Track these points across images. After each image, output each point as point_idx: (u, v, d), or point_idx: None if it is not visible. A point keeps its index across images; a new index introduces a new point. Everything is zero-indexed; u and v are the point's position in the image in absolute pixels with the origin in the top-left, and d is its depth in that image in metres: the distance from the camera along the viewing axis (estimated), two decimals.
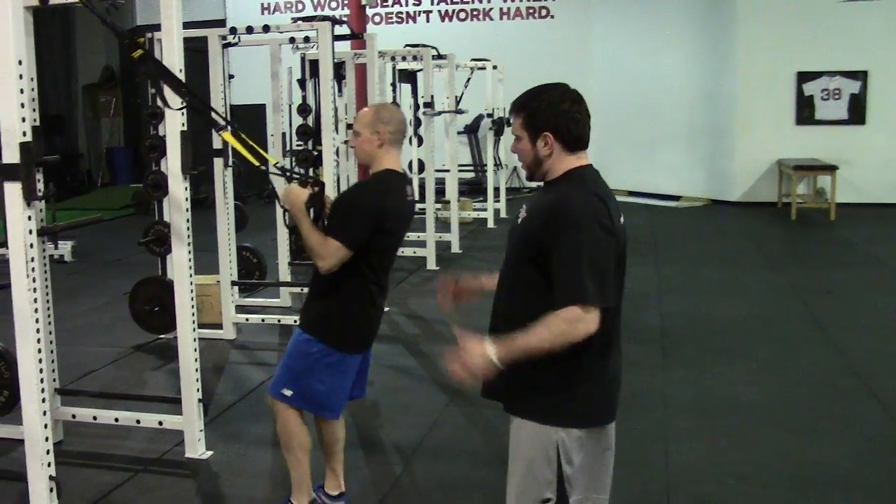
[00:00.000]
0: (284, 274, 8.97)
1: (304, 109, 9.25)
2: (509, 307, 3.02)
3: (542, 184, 3.06)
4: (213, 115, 4.37)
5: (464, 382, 2.90)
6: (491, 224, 14.01)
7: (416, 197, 4.03)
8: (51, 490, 3.97)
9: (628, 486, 4.63)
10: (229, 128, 4.36)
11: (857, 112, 15.39)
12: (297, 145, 9.33)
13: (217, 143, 7.31)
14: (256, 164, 4.34)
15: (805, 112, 15.57)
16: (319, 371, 4.05)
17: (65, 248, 11.64)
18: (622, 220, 2.96)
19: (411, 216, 4.20)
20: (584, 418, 2.96)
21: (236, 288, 8.25)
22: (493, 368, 2.81)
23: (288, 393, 4.08)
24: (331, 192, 7.25)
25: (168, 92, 4.42)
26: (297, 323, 4.16)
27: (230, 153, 7.40)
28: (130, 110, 20.05)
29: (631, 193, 16.44)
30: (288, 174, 4.28)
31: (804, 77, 15.48)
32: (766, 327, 7.98)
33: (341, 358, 4.07)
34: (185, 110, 4.62)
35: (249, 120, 14.70)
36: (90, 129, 20.89)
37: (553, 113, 2.91)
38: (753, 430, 5.59)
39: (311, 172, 9.17)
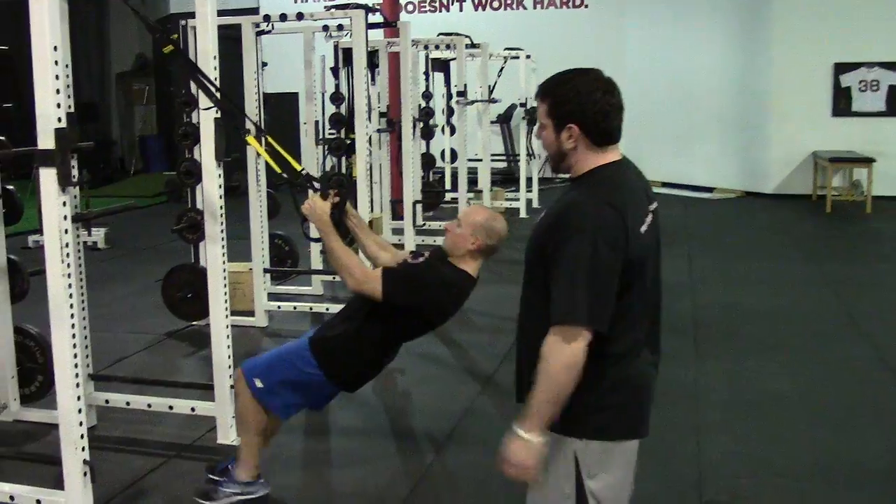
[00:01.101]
0: (316, 262, 8.99)
1: (337, 98, 9.26)
2: (529, 316, 2.83)
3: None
4: (220, 111, 4.37)
5: (526, 477, 2.68)
6: (523, 214, 13.95)
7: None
8: (84, 474, 3.98)
9: (661, 478, 4.61)
10: (254, 132, 4.36)
11: (895, 104, 15.19)
12: (330, 134, 9.34)
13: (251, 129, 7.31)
14: (279, 170, 4.35)
15: (841, 103, 15.35)
16: (304, 389, 4.08)
17: (98, 235, 11.71)
18: (644, 228, 2.69)
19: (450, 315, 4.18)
20: (603, 431, 2.74)
21: (268, 275, 8.26)
22: (536, 447, 2.61)
23: (259, 385, 4.10)
24: (363, 183, 7.28)
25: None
26: (311, 337, 4.14)
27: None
28: (163, 98, 20.12)
29: (664, 185, 16.32)
30: (311, 184, 4.28)
31: (841, 68, 15.26)
32: (799, 320, 7.92)
33: (332, 390, 4.14)
34: (219, 95, 4.63)
35: (282, 108, 14.72)
36: (123, 116, 21.01)
37: (581, 104, 2.66)
38: (786, 422, 5.55)
39: (343, 162, 9.20)
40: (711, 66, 16.37)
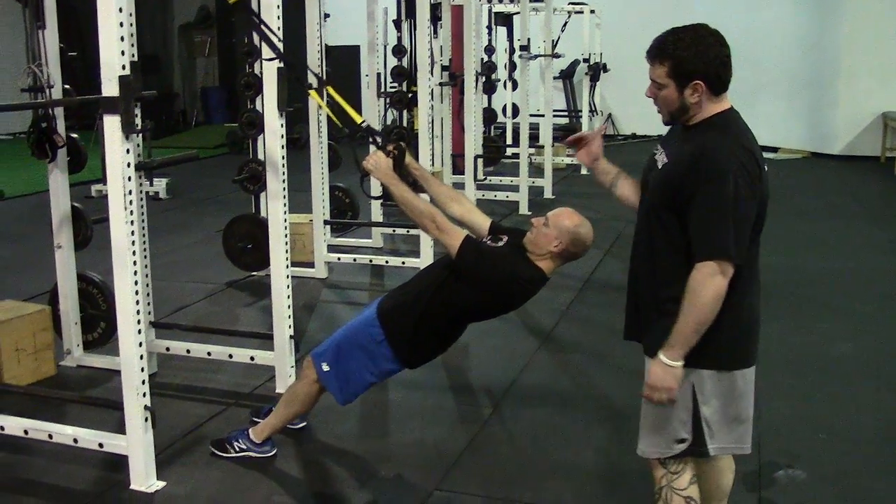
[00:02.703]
0: (376, 214, 9.00)
1: (399, 51, 9.20)
2: (650, 258, 2.99)
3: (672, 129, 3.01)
4: (283, 62, 4.35)
5: (667, 399, 2.90)
6: (584, 171, 13.84)
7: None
8: (145, 420, 4.03)
9: None
10: (317, 87, 4.32)
11: None
12: (392, 87, 9.30)
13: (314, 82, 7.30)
14: (339, 125, 4.32)
15: None
16: (369, 369, 4.01)
17: (160, 185, 11.83)
18: (767, 168, 2.90)
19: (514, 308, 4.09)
20: (717, 360, 2.91)
21: (328, 227, 8.28)
22: (679, 372, 2.85)
23: (326, 368, 4.05)
24: (425, 137, 7.24)
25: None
26: (379, 310, 4.04)
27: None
28: (225, 50, 20.21)
29: None
30: (372, 137, 4.24)
31: None
32: (864, 283, 7.78)
33: (395, 367, 4.06)
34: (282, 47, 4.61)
35: (344, 61, 14.70)
36: (185, 68, 21.14)
37: (704, 60, 2.81)
38: (848, 386, 5.47)
39: (404, 115, 9.16)
40: (778, 21, 16.04)
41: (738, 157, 2.76)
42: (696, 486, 3.09)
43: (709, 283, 2.74)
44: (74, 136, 5.42)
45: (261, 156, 7.14)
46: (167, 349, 5.55)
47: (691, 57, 2.81)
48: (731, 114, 2.92)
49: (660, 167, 2.99)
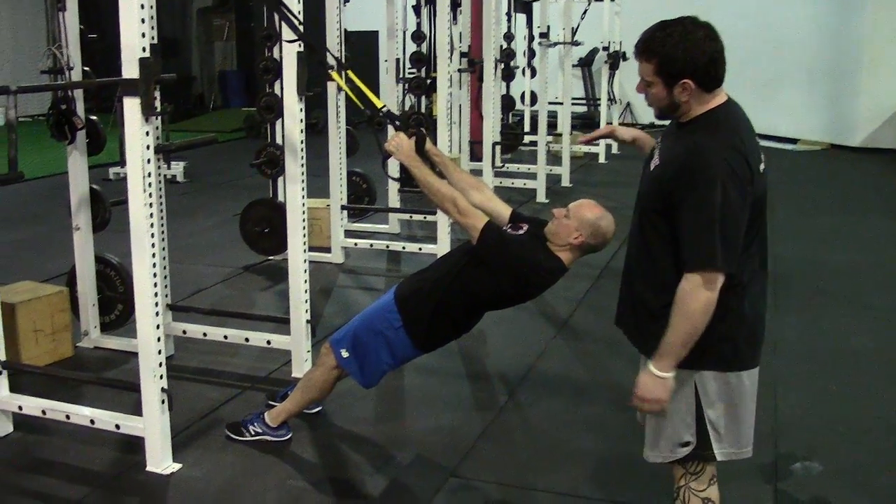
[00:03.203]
0: (394, 200, 9.00)
1: (418, 36, 9.18)
2: (645, 260, 2.94)
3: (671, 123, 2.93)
4: (304, 44, 4.34)
5: (657, 410, 2.87)
6: (602, 160, 13.83)
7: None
8: (162, 402, 4.04)
9: None
10: (337, 68, 4.32)
11: None
12: (410, 72, 9.28)
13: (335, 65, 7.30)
14: (362, 107, 4.31)
15: None
16: (387, 354, 3.99)
17: (177, 168, 11.85)
18: (763, 166, 2.81)
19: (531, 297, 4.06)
20: (722, 362, 2.86)
21: (345, 212, 8.28)
22: (669, 384, 2.79)
23: (345, 355, 4.04)
24: (443, 123, 7.22)
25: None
26: (397, 295, 4.02)
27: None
28: (243, 34, 20.20)
29: None
30: (395, 121, 4.23)
31: None
32: (884, 277, 7.74)
33: (412, 353, 4.05)
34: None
35: (362, 46, 14.67)
36: (203, 52, 21.13)
37: (692, 57, 2.71)
38: (866, 380, 5.44)
39: (422, 101, 9.14)
40: (800, 11, 15.91)
41: (726, 162, 2.66)
42: (716, 487, 3.03)
43: (697, 295, 2.68)
44: (93, 118, 5.43)
45: (279, 140, 7.14)
46: (184, 332, 5.56)
47: (679, 55, 2.71)
48: (726, 109, 2.82)
49: (651, 169, 2.92)
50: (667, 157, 2.84)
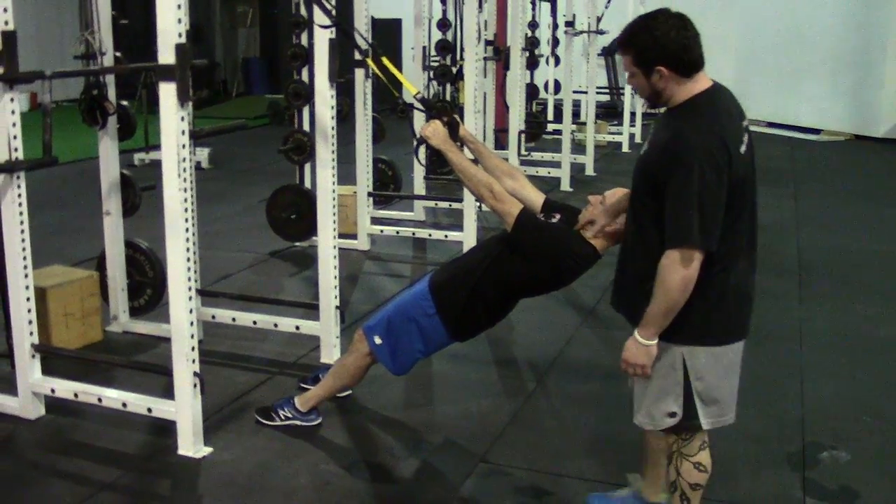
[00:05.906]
0: (419, 187, 9.01)
1: (444, 24, 9.19)
2: (640, 239, 3.10)
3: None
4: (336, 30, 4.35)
5: (640, 374, 3.09)
6: (626, 148, 13.80)
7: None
8: (194, 386, 4.07)
9: (765, 417, 4.59)
10: (372, 55, 4.32)
11: None
12: (435, 60, 9.29)
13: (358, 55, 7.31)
14: (396, 95, 4.32)
15: None
16: (420, 341, 4.00)
17: (202, 154, 11.86)
18: (743, 149, 2.94)
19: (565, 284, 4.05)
20: (707, 336, 3.04)
21: (371, 199, 8.30)
22: (651, 350, 3.02)
23: (378, 342, 4.05)
24: (470, 110, 7.23)
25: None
26: (432, 283, 4.02)
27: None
28: (267, 21, 20.21)
29: (770, 125, 15.91)
30: (430, 109, 4.23)
31: None
32: None
33: (446, 340, 4.05)
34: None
35: (386, 34, 14.68)
36: (227, 39, 21.16)
37: (661, 45, 2.91)
38: (893, 368, 5.43)
39: (447, 89, 9.15)
40: (825, 2, 15.76)
41: (705, 146, 2.83)
42: (707, 453, 3.22)
43: (675, 270, 2.87)
44: (125, 103, 5.46)
45: (305, 127, 7.17)
46: (213, 317, 5.58)
47: (650, 44, 2.92)
48: (708, 95, 2.98)
49: (641, 154, 3.11)
50: (654, 142, 3.06)
